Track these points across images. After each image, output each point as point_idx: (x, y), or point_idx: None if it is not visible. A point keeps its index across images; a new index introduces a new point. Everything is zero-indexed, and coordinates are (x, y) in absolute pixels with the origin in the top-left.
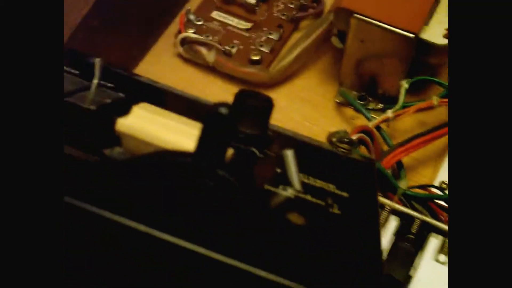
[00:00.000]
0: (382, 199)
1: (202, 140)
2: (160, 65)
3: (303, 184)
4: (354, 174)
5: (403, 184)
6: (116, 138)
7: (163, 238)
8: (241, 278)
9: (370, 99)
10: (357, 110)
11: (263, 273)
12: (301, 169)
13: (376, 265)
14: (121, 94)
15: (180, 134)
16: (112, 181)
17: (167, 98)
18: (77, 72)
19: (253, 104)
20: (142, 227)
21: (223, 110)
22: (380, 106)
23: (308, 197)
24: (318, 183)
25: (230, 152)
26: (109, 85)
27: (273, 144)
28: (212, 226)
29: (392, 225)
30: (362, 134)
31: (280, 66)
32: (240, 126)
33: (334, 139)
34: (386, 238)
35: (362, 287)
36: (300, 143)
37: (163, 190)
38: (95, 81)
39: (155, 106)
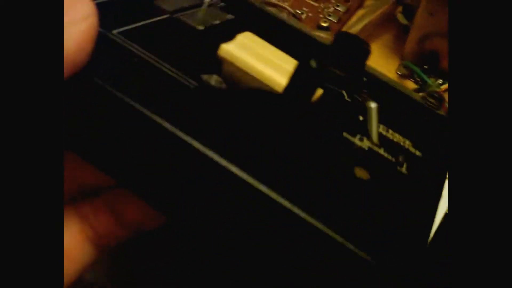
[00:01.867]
0: None
1: (291, 87)
2: None
3: (380, 136)
4: (435, 132)
5: None
6: (217, 63)
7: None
8: (287, 218)
9: (430, 74)
10: (421, 79)
11: (308, 218)
12: (385, 118)
13: (422, 238)
14: (230, 16)
15: (276, 70)
16: (204, 109)
17: (276, 25)
18: None
19: (350, 45)
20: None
21: (313, 64)
22: (440, 81)
23: (381, 151)
24: (396, 137)
25: (319, 91)
26: (221, 4)
27: (365, 89)
28: (279, 165)
29: None
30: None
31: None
32: (334, 67)
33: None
34: None
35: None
36: (392, 90)
37: (250, 123)
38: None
39: (259, 37)
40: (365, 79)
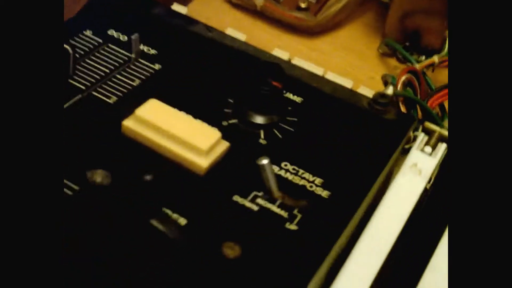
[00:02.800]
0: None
1: None
2: (210, 7)
3: (283, 182)
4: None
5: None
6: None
7: None
8: None
9: (413, 52)
10: (403, 56)
11: None
12: (306, 146)
13: None
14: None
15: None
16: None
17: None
18: None
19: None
20: None
21: None
22: (422, 58)
23: (274, 208)
24: (303, 179)
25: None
26: None
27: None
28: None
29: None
30: (410, 75)
31: (327, 13)
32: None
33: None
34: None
35: None
36: (330, 99)
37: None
38: None
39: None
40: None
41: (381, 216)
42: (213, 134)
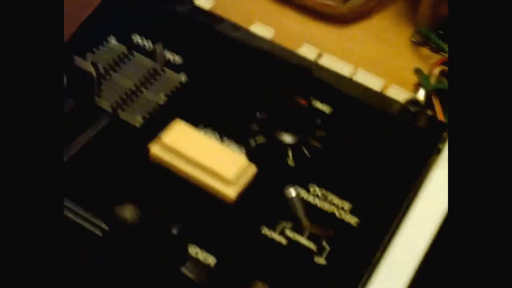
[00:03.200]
0: None
1: None
2: None
3: (312, 209)
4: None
5: None
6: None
7: None
8: None
9: (446, 40)
10: (436, 45)
11: None
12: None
13: None
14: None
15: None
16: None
17: None
18: None
19: None
20: None
21: None
22: None
23: (302, 240)
24: (332, 205)
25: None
26: None
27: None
28: None
29: None
30: (444, 67)
31: (358, 1)
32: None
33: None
34: None
35: None
36: (360, 107)
37: None
38: None
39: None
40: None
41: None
42: (240, 160)
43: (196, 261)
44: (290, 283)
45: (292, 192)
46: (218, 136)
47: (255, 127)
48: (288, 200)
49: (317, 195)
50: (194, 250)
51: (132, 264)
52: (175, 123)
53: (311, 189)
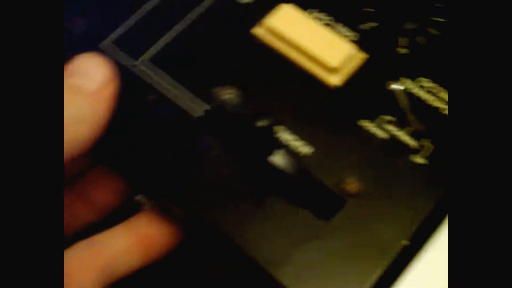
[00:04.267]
0: None
1: None
2: None
3: (413, 99)
4: None
5: None
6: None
7: None
8: None
9: None
10: None
11: None
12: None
13: None
14: None
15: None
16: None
17: None
18: None
19: None
20: None
21: None
22: None
23: (402, 136)
24: (431, 94)
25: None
26: None
27: None
28: None
29: None
30: None
31: None
32: None
33: None
34: None
35: None
36: None
37: None
38: None
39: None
40: None
41: None
42: (347, 47)
43: (288, 149)
44: (384, 181)
45: (399, 84)
46: (329, 19)
47: (369, 10)
48: (394, 93)
49: (427, 89)
50: (288, 137)
51: (225, 147)
52: (282, 6)
53: (421, 82)
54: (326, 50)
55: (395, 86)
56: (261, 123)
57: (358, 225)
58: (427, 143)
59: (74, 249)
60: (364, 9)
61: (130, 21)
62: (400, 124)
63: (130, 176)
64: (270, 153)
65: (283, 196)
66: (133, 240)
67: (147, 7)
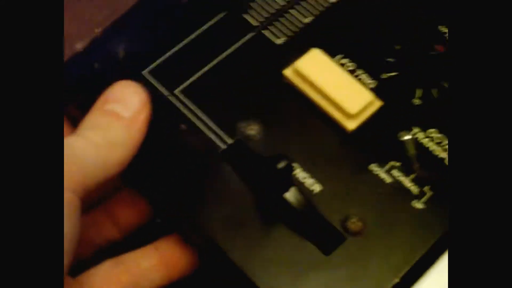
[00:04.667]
0: None
1: None
2: None
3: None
4: None
5: None
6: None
7: None
8: None
9: None
10: None
11: None
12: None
13: None
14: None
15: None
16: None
17: None
18: None
19: None
20: None
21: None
22: None
23: (406, 183)
24: (436, 144)
25: None
26: None
27: None
28: None
29: None
30: None
31: None
32: None
33: None
34: None
35: None
36: None
37: None
38: None
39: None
40: None
41: None
42: (366, 96)
43: (301, 186)
44: (384, 223)
45: (410, 134)
46: (353, 65)
47: (390, 59)
48: (404, 141)
49: (435, 140)
50: (302, 175)
51: (246, 180)
52: (312, 51)
53: (431, 133)
54: (347, 96)
55: (406, 137)
56: (280, 165)
57: (355, 262)
58: (427, 189)
59: (103, 266)
60: (386, 59)
61: (170, 53)
62: (406, 171)
63: (152, 199)
64: (285, 190)
65: (290, 228)
66: (157, 261)
67: (187, 40)
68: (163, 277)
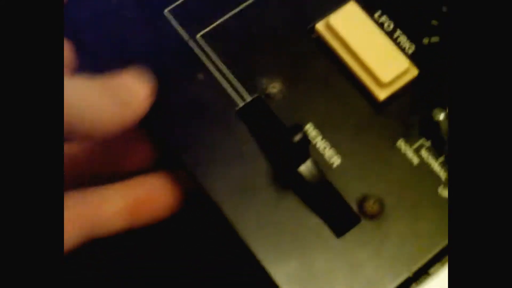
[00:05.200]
0: None
1: None
2: None
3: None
4: None
5: None
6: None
7: None
8: None
9: None
10: None
11: None
12: None
13: None
14: None
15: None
16: None
17: None
18: None
19: None
20: None
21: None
22: None
23: (435, 167)
24: None
25: None
26: None
27: None
28: None
29: None
30: None
31: None
32: None
33: None
34: None
35: None
36: None
37: None
38: None
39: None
40: None
41: None
42: (401, 64)
43: (320, 158)
44: (404, 209)
45: (444, 111)
46: (392, 26)
47: (435, 22)
48: (437, 119)
49: None
50: (322, 145)
51: (260, 144)
52: (349, 4)
53: None
54: (381, 62)
55: (441, 115)
56: (296, 138)
57: (367, 248)
58: None
59: (68, 200)
60: (430, 21)
61: None
62: (437, 152)
63: (162, 140)
64: (301, 163)
65: (303, 202)
66: (124, 204)
67: None
68: (130, 221)
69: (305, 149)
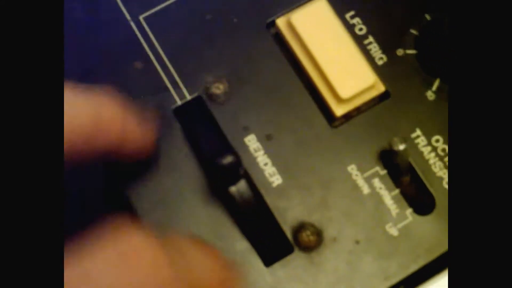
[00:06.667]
0: None
1: None
2: None
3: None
4: None
5: None
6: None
7: None
8: None
9: None
10: None
11: None
12: None
13: None
14: None
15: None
16: None
17: None
18: None
19: None
20: None
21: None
22: None
23: (386, 199)
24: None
25: None
26: None
27: None
28: None
29: None
30: None
31: None
32: None
33: None
34: None
35: None
36: None
37: None
38: None
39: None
40: None
41: None
42: (366, 79)
43: (259, 175)
44: (347, 242)
45: (401, 145)
46: (364, 31)
47: (414, 33)
48: (396, 149)
49: (439, 153)
50: (263, 160)
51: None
52: (318, 1)
53: (436, 142)
54: (342, 75)
55: (401, 146)
56: (225, 161)
57: (296, 283)
58: (409, 213)
59: None
60: (410, 30)
61: None
62: (390, 183)
63: None
64: (232, 183)
65: (235, 223)
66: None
67: None
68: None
69: (235, 172)
